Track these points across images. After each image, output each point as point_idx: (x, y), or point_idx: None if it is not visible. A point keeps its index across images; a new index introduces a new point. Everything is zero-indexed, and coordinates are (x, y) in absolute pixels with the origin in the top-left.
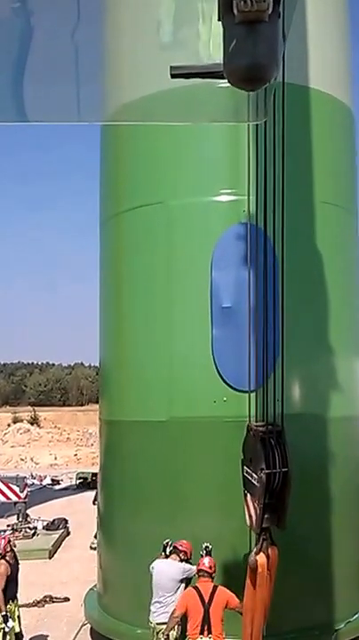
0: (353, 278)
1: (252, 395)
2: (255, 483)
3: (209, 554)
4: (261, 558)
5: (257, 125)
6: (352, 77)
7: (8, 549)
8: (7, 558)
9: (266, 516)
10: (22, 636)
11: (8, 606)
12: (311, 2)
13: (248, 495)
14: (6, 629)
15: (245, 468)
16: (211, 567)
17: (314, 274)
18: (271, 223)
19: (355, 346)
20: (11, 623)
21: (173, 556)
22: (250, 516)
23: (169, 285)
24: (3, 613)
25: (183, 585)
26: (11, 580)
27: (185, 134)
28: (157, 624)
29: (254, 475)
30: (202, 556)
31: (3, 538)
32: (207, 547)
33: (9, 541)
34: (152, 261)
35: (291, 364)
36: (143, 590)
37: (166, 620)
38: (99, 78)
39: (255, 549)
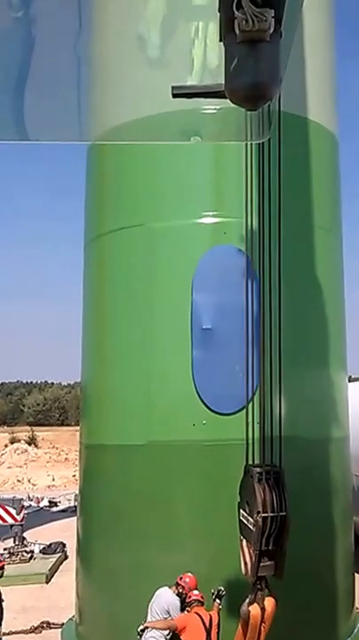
0: (339, 299)
1: (238, 418)
2: (251, 527)
3: (219, 597)
4: (254, 609)
5: (246, 148)
6: (336, 103)
7: None
8: None
9: (262, 564)
10: None
11: None
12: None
13: (243, 541)
14: None
15: (241, 512)
16: (202, 596)
17: (301, 295)
18: (258, 245)
19: (342, 366)
20: None
21: (173, 587)
22: (245, 564)
23: (150, 307)
24: None
25: (169, 617)
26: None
27: (167, 157)
28: None
29: (250, 519)
30: (213, 595)
31: None
32: (220, 590)
33: None
34: (133, 283)
35: (276, 386)
36: (119, 620)
37: None
38: (94, 97)
39: (248, 599)
